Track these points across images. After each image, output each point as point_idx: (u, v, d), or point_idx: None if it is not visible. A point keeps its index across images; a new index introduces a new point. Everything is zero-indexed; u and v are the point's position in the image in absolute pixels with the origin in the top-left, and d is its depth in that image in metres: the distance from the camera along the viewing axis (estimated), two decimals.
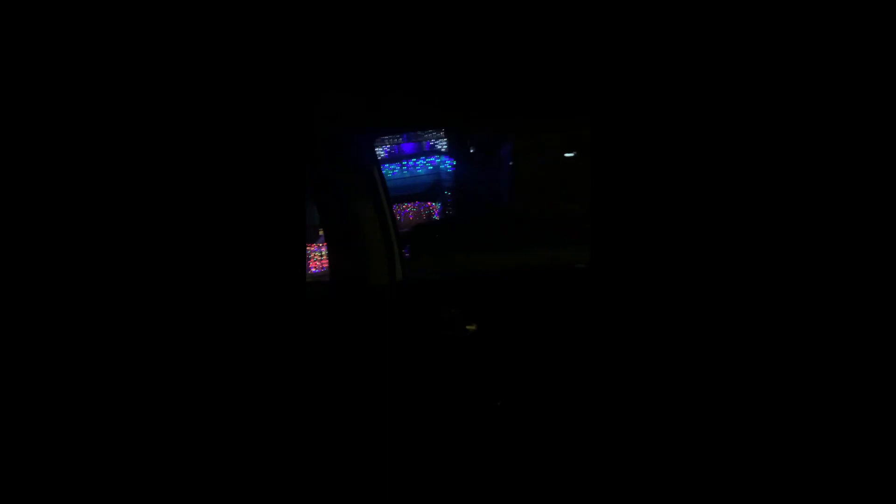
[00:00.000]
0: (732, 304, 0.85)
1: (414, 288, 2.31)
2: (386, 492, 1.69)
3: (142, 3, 0.81)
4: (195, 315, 0.86)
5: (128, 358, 0.82)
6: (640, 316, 0.91)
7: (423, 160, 12.64)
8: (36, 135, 0.76)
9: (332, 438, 1.82)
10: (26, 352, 0.76)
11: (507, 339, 2.01)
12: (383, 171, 2.28)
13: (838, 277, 0.79)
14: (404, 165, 12.77)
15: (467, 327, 2.05)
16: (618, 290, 0.92)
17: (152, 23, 0.81)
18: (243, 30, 0.87)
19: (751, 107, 0.83)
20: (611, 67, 0.90)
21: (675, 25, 0.86)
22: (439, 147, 12.48)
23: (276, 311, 0.92)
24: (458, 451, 1.79)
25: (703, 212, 0.87)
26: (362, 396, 2.01)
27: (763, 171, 0.83)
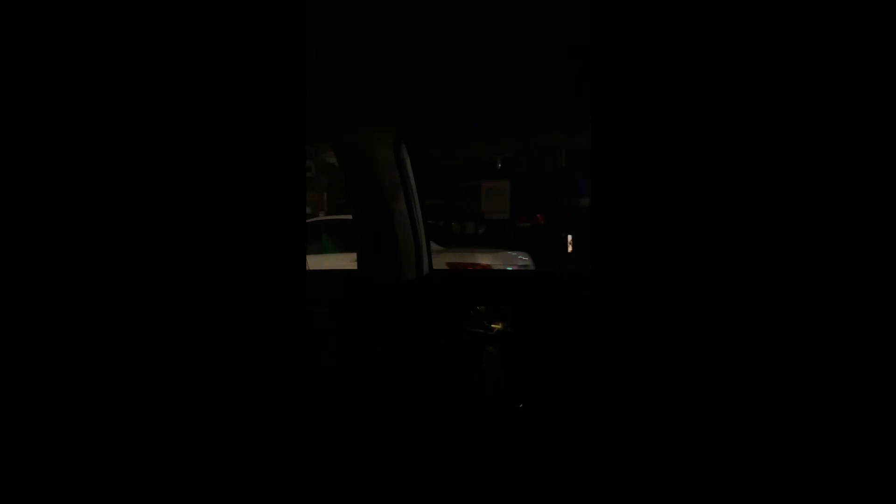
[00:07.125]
0: (734, 303, 0.83)
1: (441, 282, 2.31)
2: (398, 491, 1.70)
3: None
4: (193, 308, 0.87)
5: (129, 354, 0.84)
6: (640, 318, 0.89)
7: None
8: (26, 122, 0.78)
9: (344, 436, 1.85)
10: (21, 344, 0.78)
11: (533, 338, 2.00)
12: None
13: (840, 278, 0.76)
14: None
15: (493, 325, 2.05)
16: (618, 292, 0.91)
17: (151, 18, 0.84)
18: (243, 25, 0.88)
19: (756, 109, 0.80)
20: (611, 66, 0.88)
21: (677, 25, 0.83)
22: None
23: (277, 305, 0.93)
24: (475, 450, 1.79)
25: (705, 213, 0.84)
26: (381, 392, 2.03)
27: (764, 173, 0.80)
